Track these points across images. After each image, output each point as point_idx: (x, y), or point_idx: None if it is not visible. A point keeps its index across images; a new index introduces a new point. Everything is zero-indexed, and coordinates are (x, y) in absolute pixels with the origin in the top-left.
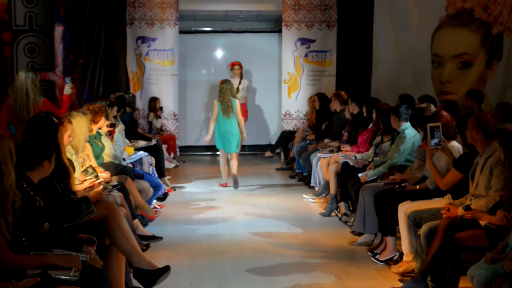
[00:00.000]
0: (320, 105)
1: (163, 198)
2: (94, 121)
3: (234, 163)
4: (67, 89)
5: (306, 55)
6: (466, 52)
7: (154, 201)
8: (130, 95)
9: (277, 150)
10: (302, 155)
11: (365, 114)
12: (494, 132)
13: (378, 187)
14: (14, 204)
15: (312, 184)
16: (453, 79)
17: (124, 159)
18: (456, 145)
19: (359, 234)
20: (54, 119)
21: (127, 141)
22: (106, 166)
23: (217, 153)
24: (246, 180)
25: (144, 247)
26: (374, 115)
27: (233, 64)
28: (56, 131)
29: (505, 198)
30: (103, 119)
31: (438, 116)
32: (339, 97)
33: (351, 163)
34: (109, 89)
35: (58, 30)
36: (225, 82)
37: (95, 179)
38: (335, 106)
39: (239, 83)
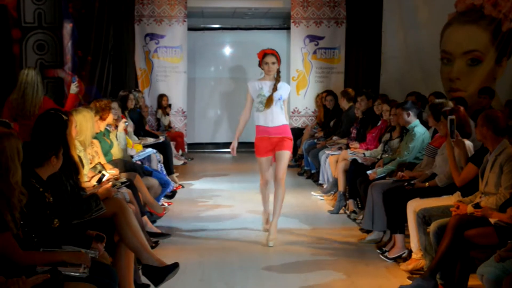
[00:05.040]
0: (335, 103)
1: (171, 196)
2: (101, 117)
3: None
4: (73, 88)
5: (314, 52)
6: (476, 49)
7: (163, 198)
8: (137, 92)
9: None
10: (311, 153)
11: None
12: (504, 129)
13: (387, 185)
14: (20, 201)
15: (320, 182)
16: (462, 76)
17: (132, 156)
18: (467, 143)
19: (368, 232)
20: (63, 115)
21: (135, 138)
22: (115, 163)
23: (225, 150)
24: (254, 178)
25: (153, 244)
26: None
27: (263, 55)
28: (64, 127)
29: None
30: (110, 115)
31: (455, 111)
32: (346, 95)
33: (359, 161)
34: (118, 86)
35: (67, 27)
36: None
37: (100, 175)
38: (343, 103)
39: (274, 89)
